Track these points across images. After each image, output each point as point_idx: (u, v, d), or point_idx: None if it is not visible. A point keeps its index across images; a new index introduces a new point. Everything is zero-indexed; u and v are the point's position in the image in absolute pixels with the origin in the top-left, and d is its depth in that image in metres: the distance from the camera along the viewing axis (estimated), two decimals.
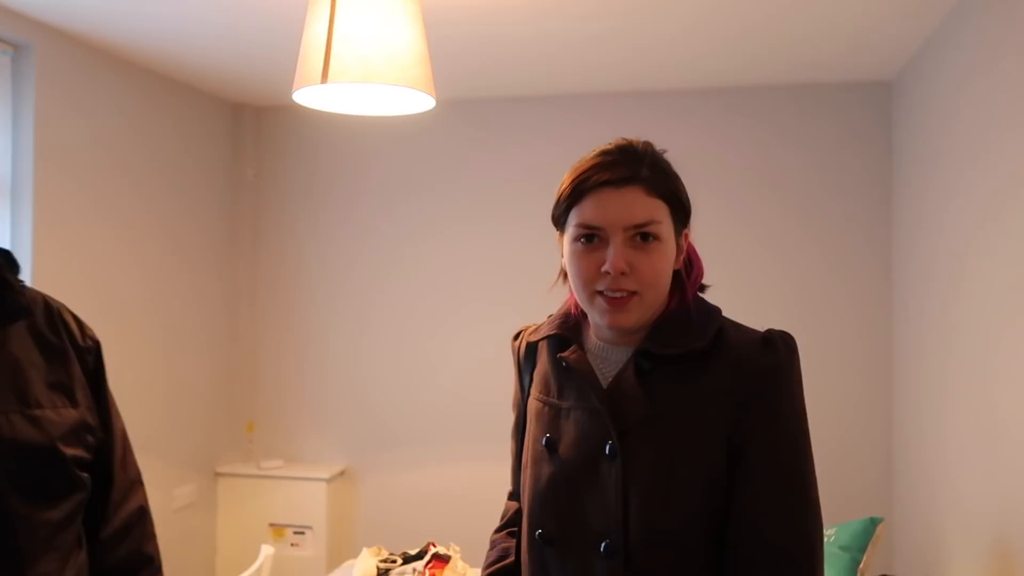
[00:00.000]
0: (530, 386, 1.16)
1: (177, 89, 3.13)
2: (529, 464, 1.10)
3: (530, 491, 1.09)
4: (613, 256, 0.99)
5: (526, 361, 1.18)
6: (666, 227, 1.02)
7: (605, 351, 1.07)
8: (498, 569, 1.17)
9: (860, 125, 3.04)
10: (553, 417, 1.08)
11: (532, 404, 1.14)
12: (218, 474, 3.35)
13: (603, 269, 1.00)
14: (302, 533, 3.27)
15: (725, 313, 1.09)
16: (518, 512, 1.19)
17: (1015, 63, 1.78)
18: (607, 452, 1.00)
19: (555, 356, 1.10)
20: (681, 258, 1.07)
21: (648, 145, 1.07)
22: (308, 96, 1.80)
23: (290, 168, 3.52)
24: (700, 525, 0.98)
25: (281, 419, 3.49)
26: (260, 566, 2.18)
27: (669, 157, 1.10)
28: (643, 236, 1.00)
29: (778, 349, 1.02)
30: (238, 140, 3.50)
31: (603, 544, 0.98)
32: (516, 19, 2.39)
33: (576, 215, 1.03)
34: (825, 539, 1.94)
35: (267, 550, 2.23)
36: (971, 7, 2.08)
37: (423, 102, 1.86)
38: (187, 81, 3.14)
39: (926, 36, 2.48)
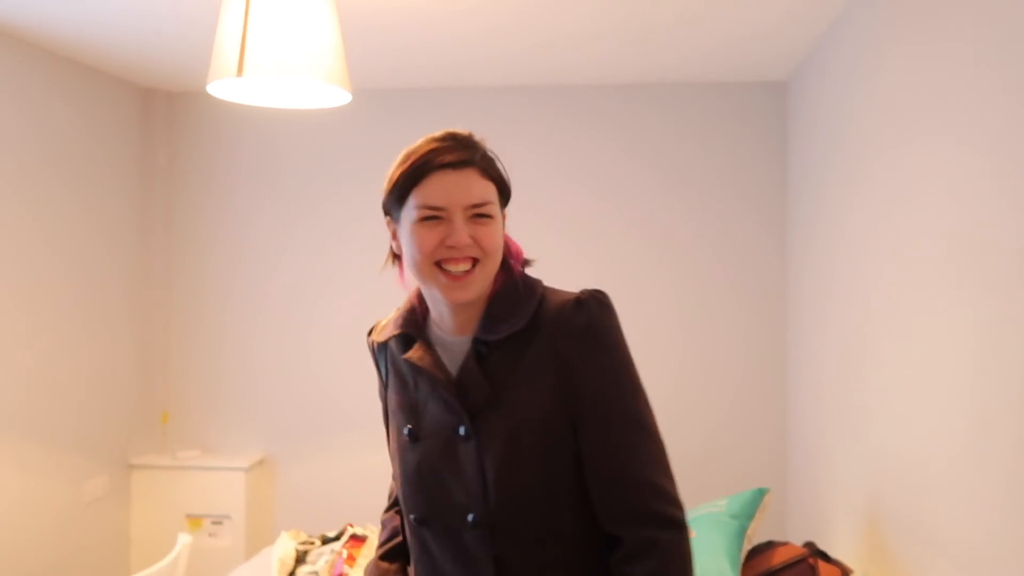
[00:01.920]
0: (387, 379, 1.25)
1: (81, 72, 3.04)
2: (396, 454, 1.19)
3: (401, 479, 1.17)
4: (456, 232, 1.07)
5: (380, 356, 1.27)
6: (495, 207, 1.12)
7: (448, 342, 1.16)
8: (390, 548, 1.25)
9: (757, 123, 3.22)
10: (411, 409, 1.16)
11: (391, 398, 1.22)
12: (131, 466, 3.30)
13: (448, 243, 1.08)
14: (220, 523, 3.26)
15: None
16: (394, 491, 1.30)
17: (899, 63, 1.94)
18: (461, 434, 1.09)
19: (402, 355, 1.18)
20: (504, 226, 1.16)
21: (473, 135, 1.16)
22: (223, 88, 1.82)
23: (205, 154, 3.47)
24: (553, 483, 1.09)
25: (197, 409, 3.46)
26: (177, 555, 2.19)
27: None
28: (480, 215, 1.09)
29: (590, 308, 1.11)
30: (148, 126, 3.43)
31: (469, 516, 1.08)
32: (423, 10, 2.44)
33: (417, 197, 1.10)
34: (717, 509, 2.11)
35: (184, 538, 2.24)
36: (859, 9, 2.25)
37: (339, 96, 1.90)
38: (92, 64, 3.06)
39: (817, 37, 2.66)
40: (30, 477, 2.77)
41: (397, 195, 1.14)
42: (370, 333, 1.31)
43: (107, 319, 3.18)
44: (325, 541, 1.87)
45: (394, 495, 1.32)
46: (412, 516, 1.16)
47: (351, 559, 1.70)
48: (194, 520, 3.27)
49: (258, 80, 1.79)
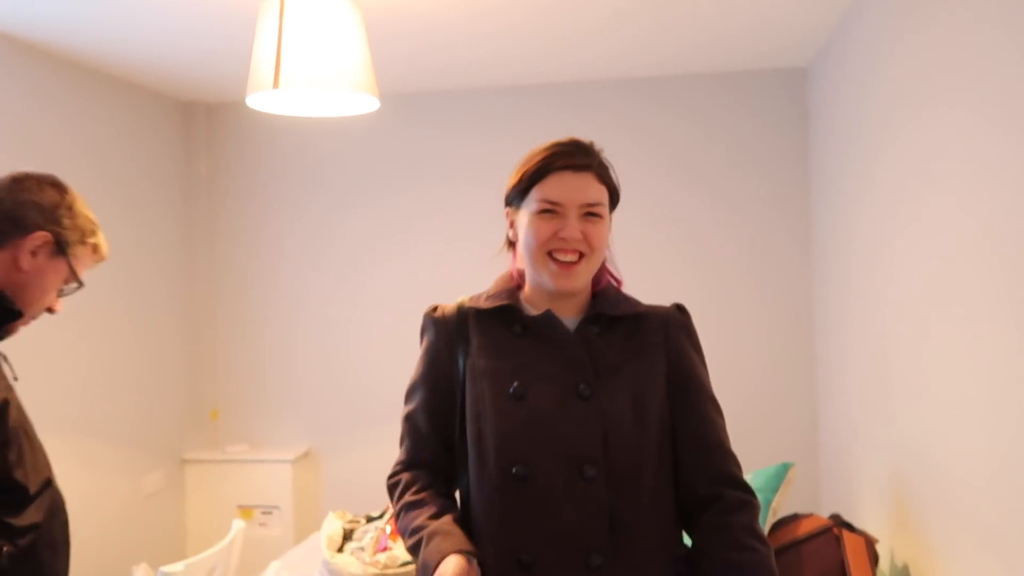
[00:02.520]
0: (466, 354, 1.29)
1: (123, 89, 3.20)
2: (490, 417, 1.22)
3: (498, 438, 1.20)
4: (569, 226, 1.22)
5: (458, 333, 1.31)
6: (606, 209, 1.27)
7: (555, 317, 1.29)
8: (450, 520, 1.23)
9: (778, 110, 3.27)
10: (517, 369, 1.22)
11: (479, 364, 1.26)
12: (185, 461, 3.48)
13: (560, 235, 1.22)
14: (269, 513, 3.42)
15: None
16: (423, 475, 1.32)
17: (916, 45, 1.98)
18: (580, 393, 1.19)
19: (514, 321, 1.27)
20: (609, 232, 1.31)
21: (593, 144, 1.31)
22: (260, 100, 1.95)
23: (244, 163, 3.63)
24: (655, 445, 1.23)
25: (244, 406, 3.62)
26: (232, 539, 2.34)
27: (598, 143, 1.32)
28: (591, 214, 1.24)
29: (687, 313, 1.36)
30: (190, 138, 3.60)
31: (586, 468, 1.16)
32: (442, 12, 2.54)
33: (539, 192, 1.24)
34: None
35: (239, 524, 2.39)
36: None
37: (368, 104, 2.02)
38: (133, 80, 3.22)
39: (837, 22, 2.69)
40: (94, 472, 2.95)
41: (521, 188, 1.27)
42: (435, 310, 1.41)
43: (157, 325, 3.36)
44: (369, 520, 1.99)
45: (416, 482, 1.32)
46: (514, 470, 1.18)
47: (395, 534, 1.82)
48: (245, 511, 3.43)
49: (293, 92, 1.91)
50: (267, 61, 1.84)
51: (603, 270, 1.33)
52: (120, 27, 2.56)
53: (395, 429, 3.62)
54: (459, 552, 1.14)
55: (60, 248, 1.34)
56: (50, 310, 1.38)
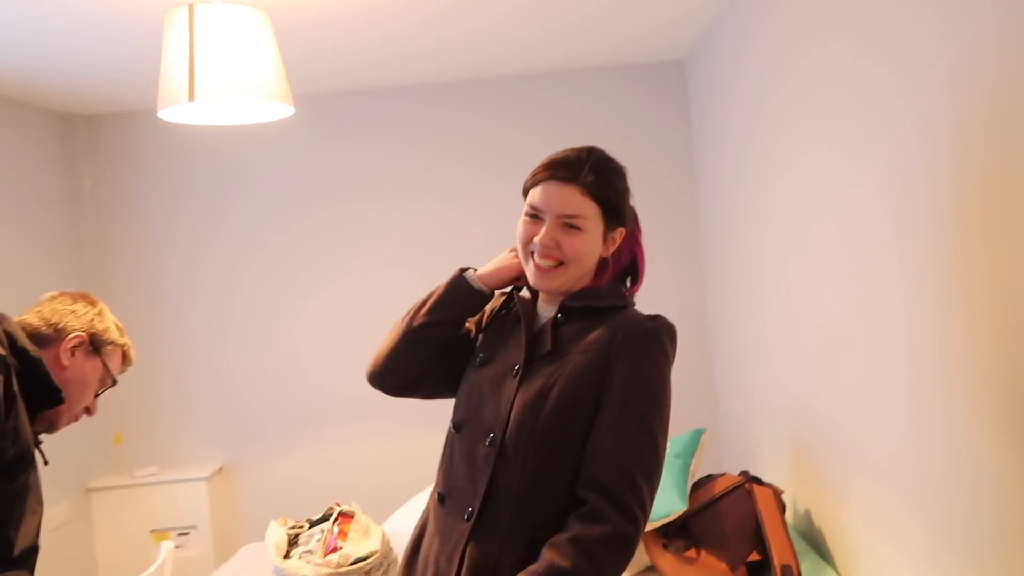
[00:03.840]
0: (485, 323, 1.49)
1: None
2: (465, 374, 1.44)
3: (461, 392, 1.42)
4: (543, 233, 1.31)
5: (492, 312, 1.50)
6: (592, 222, 1.32)
7: (542, 307, 1.42)
8: None
9: (662, 101, 3.49)
10: (494, 343, 1.42)
11: (482, 336, 1.47)
12: (90, 489, 3.33)
13: (536, 239, 1.32)
14: (187, 534, 3.33)
15: None
16: None
17: (786, 38, 2.20)
18: (512, 373, 1.33)
19: (513, 299, 1.44)
20: (611, 249, 1.37)
21: (598, 155, 1.38)
22: (173, 113, 1.92)
23: (131, 173, 3.49)
24: (560, 441, 1.27)
25: (150, 426, 3.50)
26: (163, 561, 2.29)
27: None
28: (569, 225, 1.31)
29: (659, 322, 1.33)
30: (70, 150, 3.43)
31: (490, 435, 1.30)
32: (343, 14, 2.57)
33: (530, 196, 1.35)
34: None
35: (168, 545, 2.34)
36: None
37: (282, 110, 2.03)
38: (7, 94, 3.05)
39: (712, 17, 2.91)
40: None
41: (525, 188, 1.38)
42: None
43: None
44: (312, 524, 2.01)
45: None
46: (453, 421, 1.40)
47: (343, 534, 1.85)
48: (160, 535, 3.32)
49: (208, 104, 1.90)
50: (179, 74, 1.82)
51: (607, 273, 1.39)
52: None
53: (311, 435, 3.63)
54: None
55: (95, 347, 1.52)
56: (88, 411, 1.55)
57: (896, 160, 1.56)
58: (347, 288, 3.50)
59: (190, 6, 1.82)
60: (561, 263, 1.32)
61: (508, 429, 1.28)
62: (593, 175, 1.32)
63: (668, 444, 2.35)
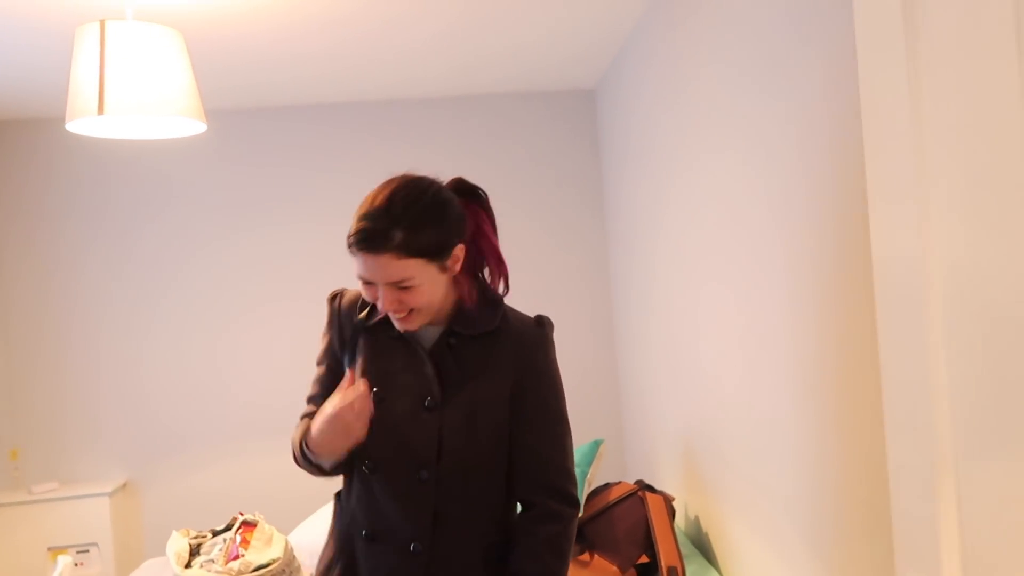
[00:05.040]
0: (349, 343, 1.41)
1: None
2: None
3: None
4: (382, 300, 1.28)
5: (346, 318, 1.42)
6: (421, 274, 1.26)
7: (423, 329, 1.37)
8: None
9: (572, 127, 3.65)
10: (383, 374, 1.35)
11: (359, 360, 1.38)
12: None
13: (379, 305, 1.29)
14: (86, 551, 3.25)
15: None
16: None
17: (686, 68, 2.38)
18: (426, 405, 1.33)
19: (387, 331, 1.36)
20: (457, 266, 1.32)
21: (400, 201, 1.25)
22: (81, 126, 1.94)
23: (33, 182, 3.42)
24: (493, 457, 1.36)
25: (50, 442, 3.41)
26: (59, 574, 2.26)
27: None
28: (401, 287, 1.26)
29: (545, 327, 1.43)
30: None
31: (422, 471, 1.32)
32: (264, 32, 2.63)
33: (355, 263, 1.28)
34: None
35: (65, 559, 2.31)
36: (653, 24, 2.67)
37: (193, 127, 2.07)
38: None
39: (616, 51, 3.09)
40: None
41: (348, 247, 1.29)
42: (335, 297, 1.45)
43: None
44: (215, 533, 2.03)
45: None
46: (366, 463, 1.35)
47: (245, 542, 1.87)
48: (58, 552, 3.23)
49: (117, 117, 1.93)
50: (89, 87, 1.84)
51: (467, 286, 1.37)
52: None
53: (217, 451, 3.61)
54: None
55: None
56: None
57: (773, 190, 1.73)
58: (255, 307, 3.50)
59: (101, 22, 1.85)
60: (412, 310, 1.30)
61: (442, 460, 1.32)
62: (402, 232, 1.24)
63: None
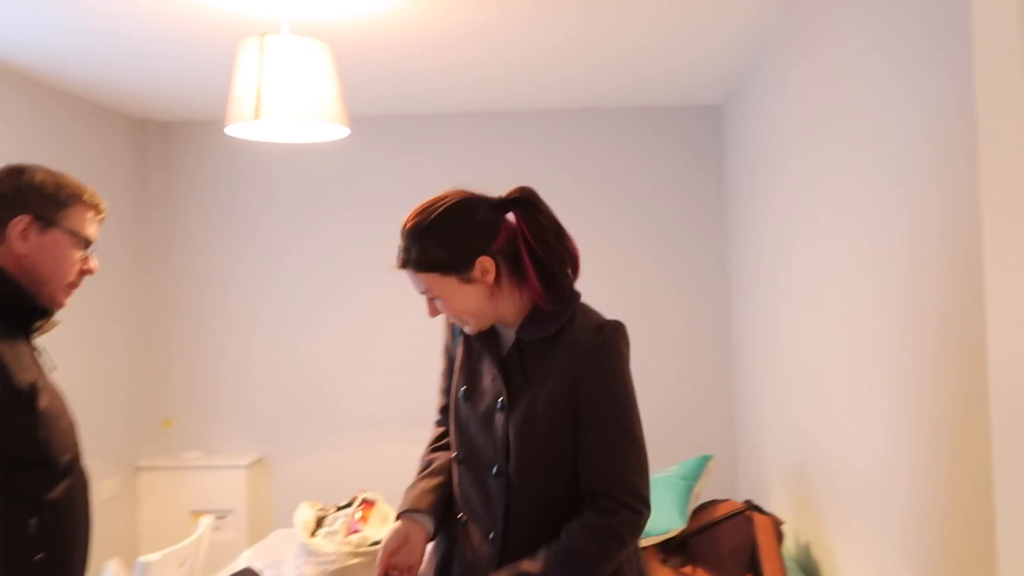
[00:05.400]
0: (457, 346, 1.55)
1: (84, 107, 3.32)
2: (452, 406, 1.52)
3: (452, 425, 1.51)
4: (430, 308, 1.43)
5: (457, 328, 1.55)
6: (441, 285, 1.38)
7: (503, 331, 1.47)
8: (431, 485, 1.54)
9: (696, 143, 3.63)
10: (471, 373, 1.48)
11: (458, 360, 1.53)
12: (138, 468, 3.58)
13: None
14: (223, 517, 3.54)
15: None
16: (445, 434, 1.60)
17: (818, 87, 2.33)
18: (498, 406, 1.41)
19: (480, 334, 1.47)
20: (488, 277, 1.38)
21: (415, 223, 1.39)
22: (240, 129, 2.14)
23: (198, 178, 3.77)
24: (555, 459, 1.38)
25: (197, 414, 3.74)
26: (201, 534, 2.49)
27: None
28: (430, 297, 1.41)
29: (606, 333, 1.39)
30: (143, 154, 3.72)
31: (494, 467, 1.41)
32: (401, 45, 2.78)
33: None
34: (668, 473, 2.47)
35: (206, 520, 2.55)
36: (786, 38, 2.63)
37: (339, 131, 2.24)
38: (87, 97, 3.33)
39: (747, 66, 3.05)
40: None
41: None
42: None
43: (110, 338, 3.46)
44: (338, 509, 2.19)
45: (435, 436, 1.62)
46: (455, 455, 1.50)
47: (364, 519, 2.01)
48: (199, 515, 3.54)
49: (271, 122, 2.12)
50: (248, 94, 2.04)
51: (532, 293, 1.40)
52: (79, 47, 2.69)
53: (342, 437, 3.83)
54: (402, 515, 1.47)
55: (46, 223, 1.39)
56: (86, 272, 1.47)
57: (916, 214, 1.68)
58: (388, 302, 3.69)
59: (261, 36, 2.04)
60: (458, 319, 1.43)
61: (510, 460, 1.39)
62: (415, 250, 1.38)
63: (675, 467, 2.48)
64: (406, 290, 3.84)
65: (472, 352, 1.50)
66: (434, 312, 1.42)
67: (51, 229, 1.39)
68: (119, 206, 3.55)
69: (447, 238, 1.38)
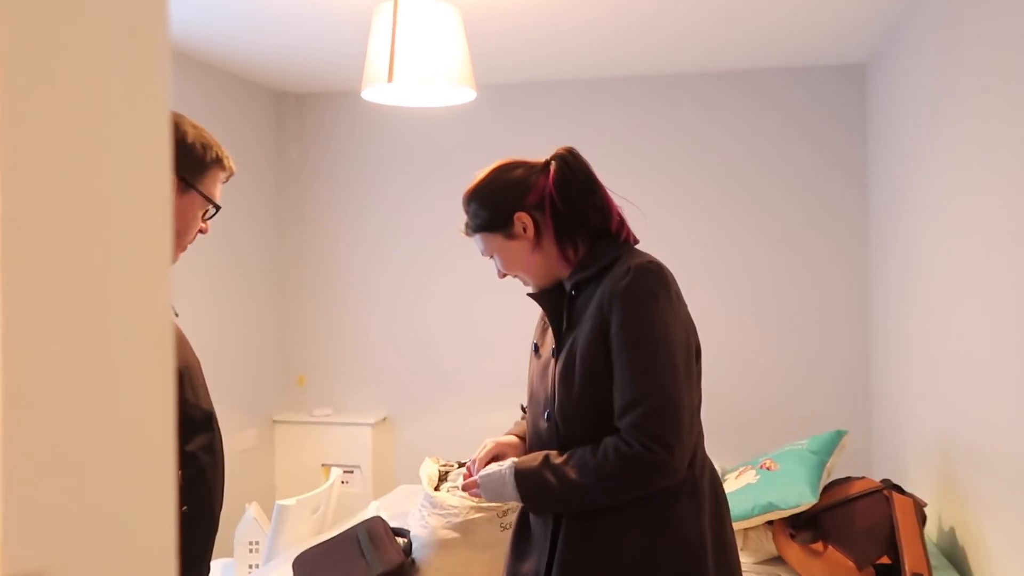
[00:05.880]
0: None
1: (227, 79, 3.51)
2: (528, 363, 1.62)
3: (527, 380, 1.60)
4: (496, 269, 1.57)
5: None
6: (492, 244, 1.52)
7: (564, 285, 1.54)
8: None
9: (839, 104, 3.42)
10: (541, 333, 1.59)
11: (538, 321, 1.64)
12: (275, 421, 3.80)
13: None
14: (351, 472, 3.71)
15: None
16: None
17: (971, 46, 2.15)
18: (551, 353, 1.49)
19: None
20: (529, 233, 1.48)
21: (471, 187, 1.55)
22: (374, 93, 2.19)
23: (331, 149, 3.91)
24: (595, 397, 1.38)
25: (329, 373, 3.92)
26: (332, 483, 2.62)
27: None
28: (490, 255, 1.54)
29: (634, 275, 1.38)
30: (283, 125, 3.89)
31: (546, 412, 1.47)
32: (525, 10, 2.76)
33: None
34: (799, 447, 2.38)
35: (337, 471, 2.67)
36: None
37: (466, 95, 2.25)
38: (234, 72, 3.52)
39: (895, 20, 2.84)
40: None
41: None
42: None
43: (251, 298, 3.67)
44: (461, 464, 2.24)
45: None
46: (523, 404, 1.66)
47: None
48: (329, 469, 3.73)
49: (403, 86, 2.16)
50: (381, 59, 2.08)
51: (572, 245, 1.48)
52: (227, 21, 2.84)
53: (463, 399, 3.91)
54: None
55: (187, 184, 1.35)
56: (202, 231, 1.44)
57: None
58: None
59: (395, 0, 2.07)
60: (518, 277, 1.55)
61: (556, 404, 1.44)
62: (468, 214, 1.55)
63: (806, 441, 2.38)
64: None
65: (544, 300, 1.58)
66: (499, 271, 1.55)
67: (190, 191, 1.36)
68: (260, 175, 3.74)
69: (488, 198, 1.51)
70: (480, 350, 3.76)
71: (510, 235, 1.49)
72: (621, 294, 1.37)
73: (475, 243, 1.56)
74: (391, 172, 3.85)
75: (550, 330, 1.52)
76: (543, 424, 1.47)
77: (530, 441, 1.55)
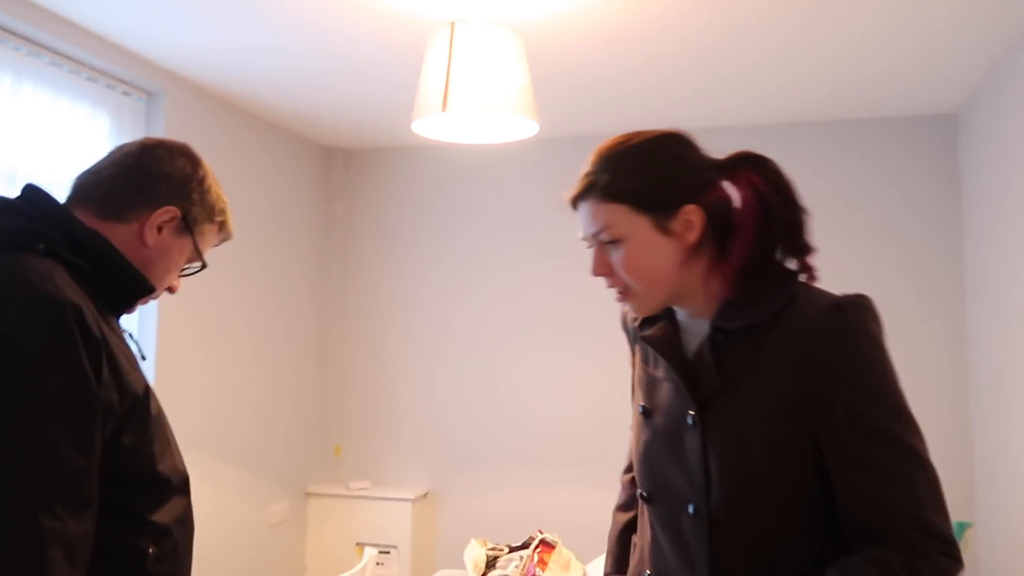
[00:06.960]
0: (634, 354, 1.25)
1: (277, 133, 3.41)
2: (633, 428, 1.19)
3: (634, 454, 1.18)
4: (593, 261, 1.10)
5: (634, 333, 1.25)
6: (628, 225, 1.06)
7: (690, 323, 1.12)
8: (624, 504, 1.34)
9: (931, 154, 3.16)
10: (649, 386, 1.16)
11: (636, 372, 1.22)
12: (308, 494, 3.52)
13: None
14: (387, 552, 3.39)
15: None
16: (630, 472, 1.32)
17: None
18: (688, 422, 1.06)
19: (642, 334, 1.18)
20: (691, 234, 1.07)
21: (619, 143, 1.11)
22: (426, 126, 2.01)
23: (376, 206, 3.76)
24: (784, 492, 1.01)
25: (367, 443, 3.65)
26: (366, 564, 2.33)
27: None
28: (605, 241, 1.08)
29: (847, 313, 1.01)
30: (329, 181, 3.77)
31: (690, 504, 1.05)
32: (602, 58, 2.59)
33: None
34: None
35: (371, 551, 2.38)
36: None
37: (527, 128, 2.05)
38: (285, 126, 3.42)
39: (988, 71, 2.60)
40: (224, 495, 3.02)
41: None
42: (624, 314, 1.29)
43: (287, 361, 3.46)
44: (512, 549, 1.94)
45: (628, 466, 1.35)
46: (639, 491, 1.17)
47: (542, 563, 1.75)
48: (363, 548, 3.41)
49: (458, 117, 1.97)
50: (436, 86, 1.90)
51: (734, 271, 1.07)
52: (278, 76, 2.74)
53: (512, 475, 3.60)
54: None
55: (187, 225, 1.22)
56: (170, 290, 1.28)
57: None
58: (559, 331, 3.46)
59: (452, 23, 1.90)
60: (628, 289, 1.09)
61: (713, 496, 1.03)
62: (606, 174, 1.08)
63: None
64: (585, 325, 3.59)
65: (650, 356, 1.17)
66: (600, 266, 1.10)
67: (185, 235, 1.22)
68: (303, 230, 3.60)
69: (652, 168, 1.08)
70: (534, 422, 3.46)
71: (664, 228, 1.06)
72: (839, 342, 1.00)
73: (579, 216, 1.11)
74: (439, 230, 3.67)
75: (665, 384, 1.12)
76: (687, 523, 1.07)
77: (656, 544, 1.13)
